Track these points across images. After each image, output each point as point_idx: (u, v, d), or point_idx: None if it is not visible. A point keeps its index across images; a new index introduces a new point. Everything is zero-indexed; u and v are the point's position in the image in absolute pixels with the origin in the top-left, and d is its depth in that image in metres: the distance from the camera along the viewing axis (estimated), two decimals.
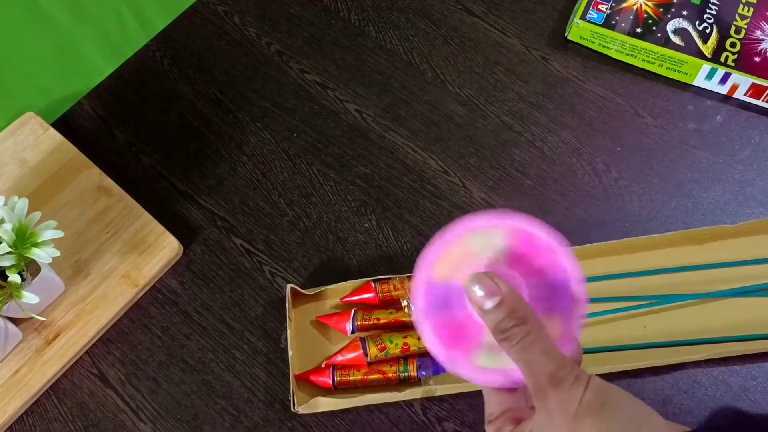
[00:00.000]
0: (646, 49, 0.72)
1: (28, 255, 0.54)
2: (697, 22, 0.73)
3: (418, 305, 0.39)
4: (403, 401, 0.59)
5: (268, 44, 0.77)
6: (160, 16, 0.77)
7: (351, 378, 0.58)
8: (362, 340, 0.58)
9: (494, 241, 0.38)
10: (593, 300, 0.60)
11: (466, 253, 0.38)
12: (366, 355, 0.58)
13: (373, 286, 0.61)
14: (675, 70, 0.73)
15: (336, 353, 0.59)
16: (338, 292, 0.62)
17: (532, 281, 0.38)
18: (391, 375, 0.57)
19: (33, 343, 0.60)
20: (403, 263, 0.65)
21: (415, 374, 0.57)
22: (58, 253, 0.55)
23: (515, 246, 0.38)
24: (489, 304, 0.36)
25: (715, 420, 0.36)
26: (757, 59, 0.71)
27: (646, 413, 0.35)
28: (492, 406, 0.39)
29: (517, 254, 0.38)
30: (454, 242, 0.38)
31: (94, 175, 0.67)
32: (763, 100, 0.71)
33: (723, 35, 0.72)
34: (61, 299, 0.62)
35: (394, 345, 0.58)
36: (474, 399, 0.59)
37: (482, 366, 0.38)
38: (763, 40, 0.72)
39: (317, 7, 0.79)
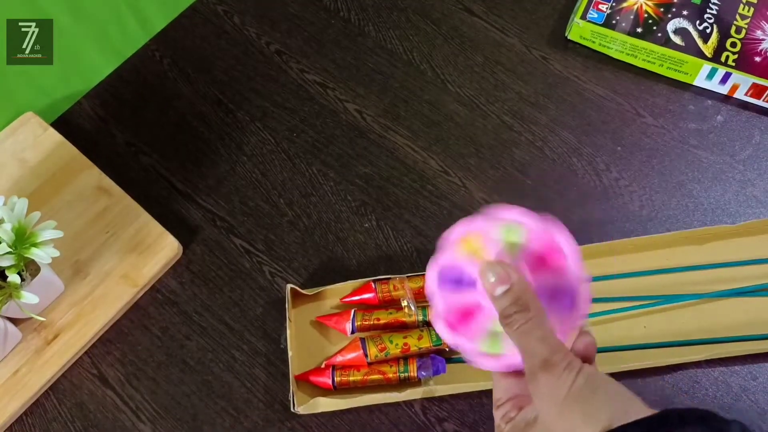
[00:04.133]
0: (646, 49, 0.72)
1: (27, 255, 0.54)
2: (698, 22, 0.73)
3: (431, 279, 0.41)
4: (403, 402, 0.59)
5: (267, 44, 0.77)
6: (159, 16, 0.77)
7: (351, 378, 0.57)
8: (362, 340, 0.58)
9: (514, 235, 0.40)
10: (593, 300, 0.60)
11: (488, 241, 0.40)
12: (366, 356, 0.58)
13: (373, 286, 0.61)
14: (675, 70, 0.73)
15: (336, 353, 0.59)
16: (338, 292, 0.62)
17: (541, 276, 0.40)
18: (391, 375, 0.57)
19: (32, 344, 0.60)
20: (403, 263, 0.65)
21: (415, 374, 0.57)
22: (57, 253, 0.55)
23: (533, 242, 0.40)
24: (499, 291, 0.38)
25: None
26: (757, 59, 0.70)
27: (633, 402, 0.36)
28: (500, 391, 0.41)
29: (533, 250, 0.40)
30: (478, 229, 0.41)
31: (93, 175, 0.67)
32: (763, 100, 0.71)
33: (723, 35, 0.72)
34: (61, 299, 0.61)
35: (394, 345, 0.58)
36: (474, 399, 0.59)
37: (485, 351, 0.40)
38: (763, 39, 0.72)
39: (317, 7, 0.79)
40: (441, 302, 0.41)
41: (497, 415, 0.40)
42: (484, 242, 0.40)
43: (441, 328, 0.41)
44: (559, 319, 0.39)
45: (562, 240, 0.40)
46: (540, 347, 0.37)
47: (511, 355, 0.40)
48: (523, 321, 0.37)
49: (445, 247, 0.41)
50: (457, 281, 0.41)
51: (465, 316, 0.41)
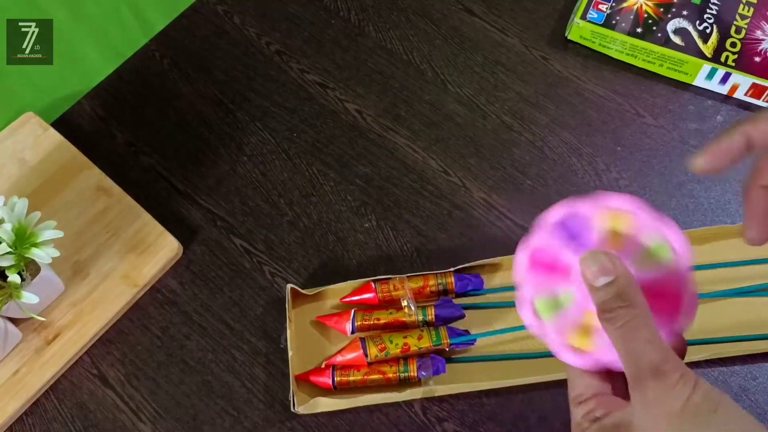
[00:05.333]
0: (646, 49, 0.72)
1: (27, 255, 0.54)
2: (698, 22, 0.73)
3: (522, 261, 0.39)
4: (403, 402, 0.59)
5: (268, 44, 0.77)
6: (159, 16, 0.77)
7: (351, 378, 0.57)
8: (362, 340, 0.58)
9: (662, 251, 0.37)
10: None
11: (637, 235, 0.38)
12: (366, 356, 0.58)
13: (373, 286, 0.61)
14: (675, 70, 0.73)
15: (336, 353, 0.59)
16: (338, 292, 0.62)
17: (647, 271, 0.37)
18: (391, 375, 0.57)
19: (33, 344, 0.60)
20: (403, 263, 0.65)
21: (415, 374, 0.57)
22: (57, 253, 0.55)
23: (607, 227, 0.38)
24: (601, 281, 0.35)
25: None
26: (757, 59, 0.71)
27: (757, 429, 0.33)
28: (580, 387, 0.37)
29: (612, 234, 0.38)
30: (637, 215, 0.38)
31: (93, 175, 0.67)
32: (763, 100, 0.71)
33: (723, 35, 0.72)
34: (61, 299, 0.62)
35: (394, 345, 0.58)
36: (474, 399, 0.59)
37: (573, 345, 0.37)
38: (763, 39, 0.72)
39: (317, 7, 0.79)
40: (531, 287, 0.38)
41: (578, 411, 0.37)
42: (631, 233, 0.37)
43: (527, 316, 0.38)
44: (663, 320, 0.36)
45: (681, 241, 0.37)
46: (648, 351, 0.33)
47: (604, 352, 0.36)
48: (628, 318, 0.34)
49: (580, 210, 0.38)
50: (551, 267, 0.38)
51: (555, 305, 0.38)
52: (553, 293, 0.38)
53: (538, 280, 0.38)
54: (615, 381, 0.37)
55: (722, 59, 0.71)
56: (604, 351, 0.36)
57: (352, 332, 0.60)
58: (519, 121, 0.72)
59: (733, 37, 0.72)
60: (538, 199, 0.67)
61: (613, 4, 0.74)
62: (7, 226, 0.54)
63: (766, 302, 0.61)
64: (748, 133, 0.38)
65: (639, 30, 0.72)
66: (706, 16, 0.73)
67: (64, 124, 0.72)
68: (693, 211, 0.67)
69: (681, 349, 0.37)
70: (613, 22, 0.73)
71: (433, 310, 0.59)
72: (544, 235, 0.39)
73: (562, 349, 0.37)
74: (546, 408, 0.58)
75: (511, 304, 0.60)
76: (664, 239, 0.37)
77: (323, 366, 0.59)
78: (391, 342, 0.58)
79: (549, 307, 0.38)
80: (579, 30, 0.74)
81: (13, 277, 0.54)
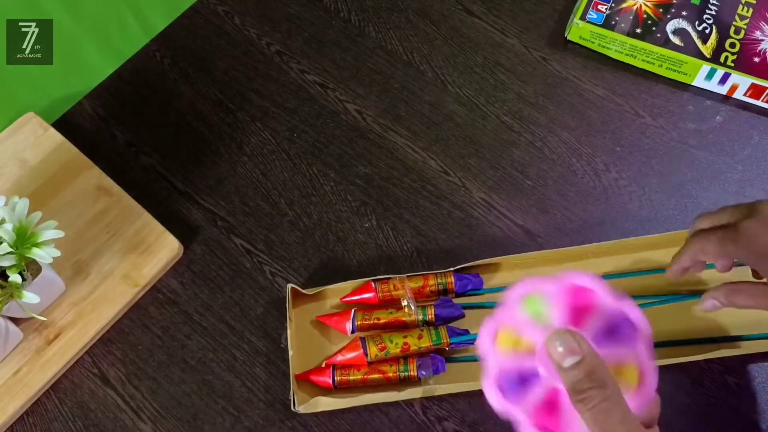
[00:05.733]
0: (645, 50, 0.72)
1: (28, 255, 0.54)
2: (697, 23, 0.73)
3: (495, 392, 0.38)
4: (403, 401, 0.59)
5: (268, 44, 0.77)
6: (160, 17, 0.77)
7: (351, 378, 0.58)
8: (362, 339, 0.58)
9: (544, 305, 0.38)
10: None
11: (522, 323, 0.38)
12: (366, 355, 0.58)
13: (373, 285, 0.61)
14: (674, 71, 0.73)
15: (336, 353, 0.59)
16: (338, 292, 0.62)
17: (595, 335, 0.37)
18: (391, 375, 0.58)
19: (33, 343, 0.60)
20: (403, 263, 0.65)
21: (415, 374, 0.57)
22: (58, 253, 0.55)
23: (570, 304, 0.38)
24: (568, 362, 0.35)
25: None
26: (756, 59, 0.71)
27: None
28: None
29: (575, 311, 0.38)
30: (505, 317, 0.38)
31: (94, 175, 0.67)
32: (762, 100, 0.71)
33: (722, 35, 0.72)
34: (62, 299, 0.62)
35: (394, 345, 0.58)
36: (474, 398, 0.59)
37: (541, 425, 0.37)
38: (762, 40, 0.72)
39: (317, 8, 0.79)
40: (495, 365, 0.39)
41: None
42: (517, 331, 0.38)
43: (492, 395, 0.38)
44: (629, 381, 0.36)
45: (599, 289, 0.37)
46: (622, 431, 0.34)
47: (571, 429, 0.37)
48: (600, 399, 0.34)
49: (488, 356, 0.39)
50: (515, 343, 0.38)
51: (521, 383, 0.38)
52: (519, 370, 0.38)
53: (503, 356, 0.38)
54: None
55: (721, 60, 0.71)
56: (571, 430, 0.36)
57: (353, 332, 0.60)
58: (519, 122, 0.72)
59: (732, 37, 0.72)
60: (538, 199, 0.68)
61: (613, 5, 0.74)
62: (8, 226, 0.54)
63: None
64: (694, 257, 0.46)
65: (638, 30, 0.73)
66: (705, 16, 0.73)
67: (64, 124, 0.72)
68: (692, 210, 0.67)
69: (654, 412, 0.37)
70: (613, 22, 0.73)
71: (432, 309, 0.59)
72: (509, 311, 0.39)
73: (529, 428, 0.37)
74: None
75: None
76: (612, 308, 0.37)
77: (323, 365, 0.59)
78: (391, 341, 0.58)
79: (514, 385, 0.38)
80: (578, 30, 0.74)
81: (14, 277, 0.54)
